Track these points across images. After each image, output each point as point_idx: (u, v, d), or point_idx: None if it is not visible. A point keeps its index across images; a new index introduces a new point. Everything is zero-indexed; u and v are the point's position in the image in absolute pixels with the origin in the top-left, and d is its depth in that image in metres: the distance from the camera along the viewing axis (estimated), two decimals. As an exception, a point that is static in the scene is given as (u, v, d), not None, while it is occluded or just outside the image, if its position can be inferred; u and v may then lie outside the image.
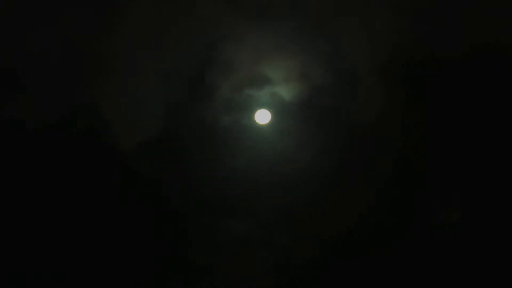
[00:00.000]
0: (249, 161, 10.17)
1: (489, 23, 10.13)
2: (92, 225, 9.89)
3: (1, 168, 9.92)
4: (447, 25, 10.23)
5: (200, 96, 10.20)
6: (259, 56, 10.25)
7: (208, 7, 10.21)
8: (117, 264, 9.81)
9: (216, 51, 10.21)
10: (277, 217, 10.17)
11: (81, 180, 10.01)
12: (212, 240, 10.05)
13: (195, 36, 10.22)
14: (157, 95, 10.22)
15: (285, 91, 10.21)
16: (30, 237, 9.79)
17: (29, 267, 9.66)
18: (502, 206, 9.99)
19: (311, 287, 9.98)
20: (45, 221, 9.86)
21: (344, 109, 10.30)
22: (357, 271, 9.97)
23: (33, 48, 10.07)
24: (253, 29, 10.15)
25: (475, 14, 10.15)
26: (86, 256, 9.80)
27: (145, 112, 10.21)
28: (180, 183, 10.13)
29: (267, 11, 10.24)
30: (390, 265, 9.89)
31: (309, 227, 10.14)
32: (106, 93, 10.15)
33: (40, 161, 9.98)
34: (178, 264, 9.95)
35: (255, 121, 10.23)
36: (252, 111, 10.26)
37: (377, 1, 10.30)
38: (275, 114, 10.28)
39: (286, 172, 10.18)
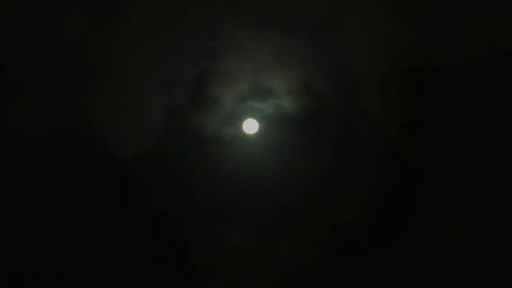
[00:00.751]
0: (242, 169, 10.22)
1: (491, 27, 10.14)
2: (90, 233, 10.03)
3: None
4: (448, 31, 10.24)
5: (196, 105, 10.25)
6: (256, 66, 10.31)
7: (209, 15, 10.21)
8: (116, 272, 9.91)
9: (214, 60, 10.20)
10: (273, 222, 10.20)
11: (80, 187, 10.15)
12: (209, 246, 10.07)
13: (195, 45, 10.20)
14: (155, 103, 10.25)
15: (279, 102, 10.26)
16: (31, 238, 9.90)
17: (29, 267, 9.67)
18: (502, 206, 10.00)
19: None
20: (46, 225, 10.00)
21: (337, 117, 10.33)
22: (357, 271, 9.98)
23: (32, 56, 10.22)
24: (253, 38, 10.18)
25: (476, 19, 10.15)
26: (86, 268, 9.89)
27: (141, 120, 10.27)
28: (175, 190, 10.16)
29: (267, 20, 10.34)
30: (390, 265, 9.90)
31: (307, 228, 10.17)
32: (105, 101, 10.16)
33: (38, 169, 10.12)
34: (177, 270, 9.98)
35: (243, 130, 10.29)
36: (242, 120, 10.32)
37: (378, 10, 10.30)
38: (263, 123, 10.32)
39: (277, 180, 10.21)
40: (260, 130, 10.34)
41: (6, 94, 10.14)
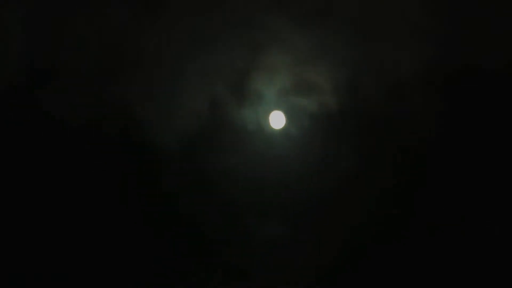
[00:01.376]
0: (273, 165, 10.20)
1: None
2: (125, 226, 9.93)
3: (36, 166, 9.91)
4: (489, 38, 10.17)
5: (234, 98, 10.19)
6: (297, 62, 10.22)
7: (253, 7, 10.12)
8: (148, 266, 9.92)
9: (256, 53, 10.14)
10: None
11: (114, 175, 10.03)
12: (245, 242, 10.07)
13: (237, 37, 10.15)
14: (193, 94, 10.17)
15: (318, 98, 10.21)
16: (49, 234, 9.83)
17: (35, 265, 9.66)
18: (503, 206, 10.04)
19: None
20: (73, 218, 9.92)
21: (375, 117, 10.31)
22: (357, 271, 10.02)
23: (69, 44, 10.01)
24: (296, 33, 10.12)
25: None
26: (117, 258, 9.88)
27: (178, 111, 10.15)
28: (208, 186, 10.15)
29: (311, 15, 10.16)
30: (390, 265, 9.93)
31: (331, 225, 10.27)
32: (143, 91, 10.08)
33: (73, 159, 9.96)
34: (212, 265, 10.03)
35: (271, 124, 10.26)
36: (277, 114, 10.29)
37: (424, 10, 10.21)
38: (296, 118, 10.25)
39: (307, 174, 10.21)
40: (288, 124, 10.30)
41: (45, 83, 9.96)
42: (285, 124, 10.20)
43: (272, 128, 10.20)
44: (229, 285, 9.99)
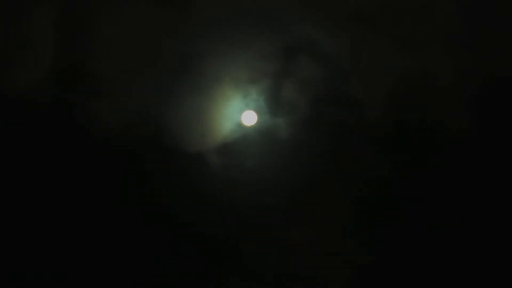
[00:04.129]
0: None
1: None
2: (128, 227, 10.08)
3: (67, 171, 10.10)
4: None
5: (266, 106, 10.30)
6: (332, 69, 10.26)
7: (286, 15, 10.21)
8: (174, 267, 10.06)
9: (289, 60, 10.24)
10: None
11: (145, 184, 10.21)
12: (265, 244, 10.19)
13: (269, 44, 10.25)
14: (225, 102, 10.29)
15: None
16: (87, 234, 10.02)
17: (35, 265, 9.83)
18: (502, 206, 10.00)
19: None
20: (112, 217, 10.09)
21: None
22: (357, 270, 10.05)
23: (101, 51, 10.20)
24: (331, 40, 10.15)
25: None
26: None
27: (208, 117, 10.30)
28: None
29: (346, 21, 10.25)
30: (389, 265, 9.94)
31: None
32: (171, 99, 10.25)
33: (105, 166, 10.15)
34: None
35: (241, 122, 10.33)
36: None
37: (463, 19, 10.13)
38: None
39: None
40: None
41: (75, 90, 10.22)
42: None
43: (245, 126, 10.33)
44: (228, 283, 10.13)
